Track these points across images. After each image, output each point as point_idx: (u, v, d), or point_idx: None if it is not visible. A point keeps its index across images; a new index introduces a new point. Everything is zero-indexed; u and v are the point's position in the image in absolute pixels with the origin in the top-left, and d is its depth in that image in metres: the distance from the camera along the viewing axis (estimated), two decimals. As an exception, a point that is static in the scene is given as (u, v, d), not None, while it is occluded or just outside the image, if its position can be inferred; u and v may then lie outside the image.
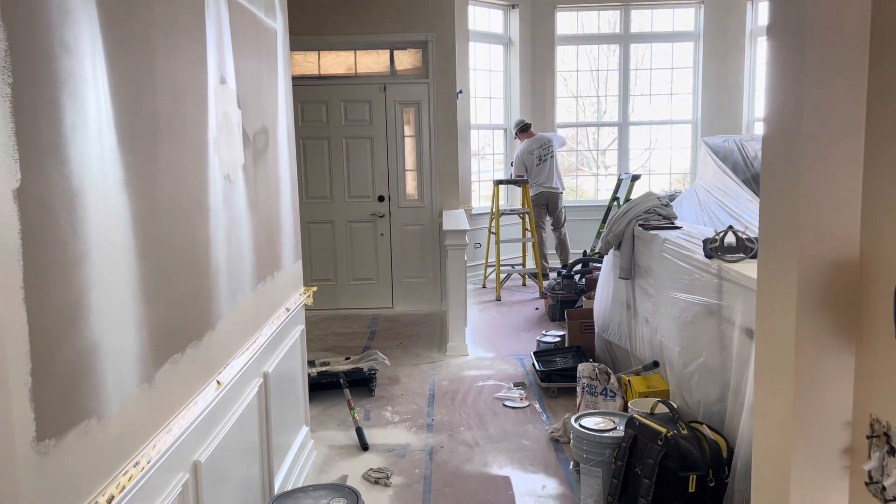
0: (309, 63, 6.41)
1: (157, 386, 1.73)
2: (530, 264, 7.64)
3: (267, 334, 2.75)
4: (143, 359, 1.66)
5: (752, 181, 4.20)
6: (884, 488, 1.12)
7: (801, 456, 1.07)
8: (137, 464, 1.58)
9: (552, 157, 7.45)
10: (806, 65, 0.99)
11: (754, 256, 2.89)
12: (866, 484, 1.17)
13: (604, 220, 7.35)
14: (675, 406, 2.83)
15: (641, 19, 8.36)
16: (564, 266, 7.32)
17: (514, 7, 7.97)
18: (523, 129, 7.48)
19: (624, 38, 8.34)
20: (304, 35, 5.90)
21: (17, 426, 1.17)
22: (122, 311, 1.56)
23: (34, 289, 1.23)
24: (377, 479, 3.30)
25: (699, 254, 3.09)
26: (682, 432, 2.64)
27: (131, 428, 1.59)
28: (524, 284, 7.55)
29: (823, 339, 1.01)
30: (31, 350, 1.22)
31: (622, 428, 2.92)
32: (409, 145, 6.54)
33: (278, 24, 3.14)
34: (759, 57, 8.03)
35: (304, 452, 3.39)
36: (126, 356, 1.58)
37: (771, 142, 1.07)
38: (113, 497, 1.45)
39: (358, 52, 6.44)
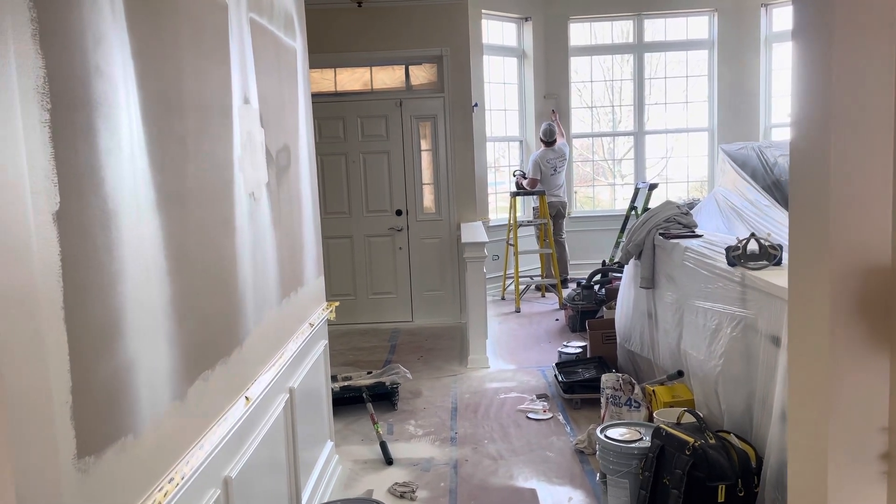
0: (325, 80, 6.48)
1: (189, 402, 1.75)
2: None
3: (292, 350, 2.77)
4: (175, 376, 1.68)
5: (773, 188, 4.18)
6: (923, 495, 1.11)
7: (837, 463, 1.07)
8: (172, 480, 1.60)
9: (564, 168, 7.59)
10: (833, 68, 0.99)
11: (778, 263, 2.88)
12: (904, 491, 1.16)
13: (622, 230, 7.33)
14: (701, 415, 2.81)
15: (655, 28, 8.38)
16: (563, 280, 7.33)
17: (527, 20, 8.01)
18: (551, 142, 7.51)
19: (638, 48, 8.35)
20: (320, 53, 5.97)
21: (60, 444, 1.19)
22: (155, 330, 1.59)
23: (73, 309, 1.26)
24: (403, 493, 3.31)
25: (722, 262, 3.08)
26: (710, 442, 2.62)
27: (165, 444, 1.61)
28: (543, 295, 7.54)
29: (858, 347, 1.01)
30: (71, 368, 1.24)
31: (648, 438, 2.91)
32: (426, 159, 6.58)
33: (297, 43, 3.19)
34: (774, 63, 8.00)
35: (330, 467, 3.40)
36: (159, 373, 1.61)
37: (799, 148, 1.08)
38: (149, 513, 1.47)
39: (374, 68, 6.50)
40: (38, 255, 1.16)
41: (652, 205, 6.75)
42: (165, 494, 1.55)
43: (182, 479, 1.65)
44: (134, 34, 1.54)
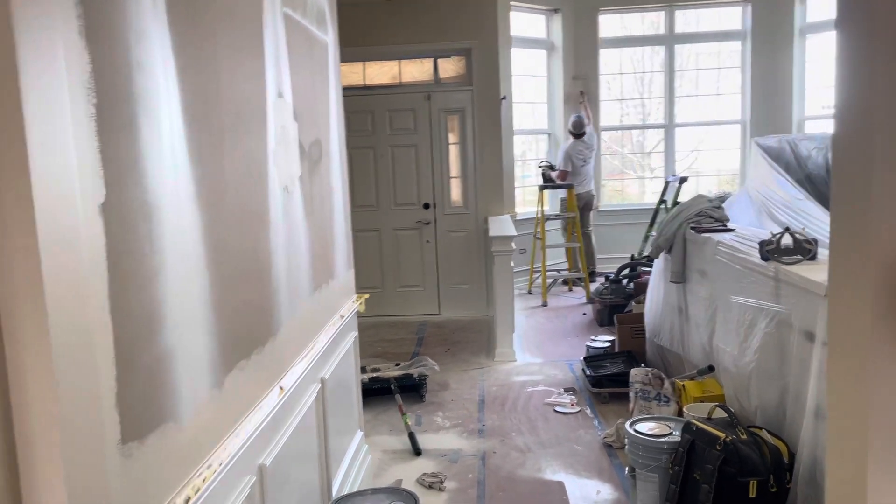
0: (354, 74, 6.51)
1: (226, 391, 1.79)
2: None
3: (323, 341, 2.80)
4: (213, 365, 1.72)
5: (806, 181, 4.12)
6: (965, 492, 1.10)
7: (877, 461, 1.05)
8: (210, 466, 1.63)
9: (593, 159, 7.59)
10: (878, 58, 0.98)
11: (813, 258, 2.84)
12: (945, 488, 1.15)
13: (651, 224, 7.27)
14: (732, 411, 2.79)
15: (686, 20, 8.27)
16: (591, 273, 7.31)
17: (556, 12, 7.96)
18: (580, 134, 7.49)
19: (668, 39, 8.26)
20: (349, 46, 5.97)
21: (106, 429, 1.23)
22: (194, 319, 1.62)
23: (118, 298, 1.29)
24: (431, 483, 3.33)
25: (755, 256, 3.05)
26: (742, 437, 2.60)
27: (203, 432, 1.65)
28: (570, 289, 7.51)
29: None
30: (116, 357, 1.28)
31: (678, 433, 2.89)
32: (454, 152, 6.58)
33: (329, 37, 3.21)
34: (808, 55, 7.86)
35: (360, 457, 3.44)
36: (198, 362, 1.64)
37: (841, 140, 1.07)
38: (189, 498, 1.50)
39: (402, 61, 6.52)
40: (87, 247, 1.19)
41: (682, 199, 6.68)
42: (204, 480, 1.58)
43: (220, 465, 1.68)
44: (174, 29, 1.57)
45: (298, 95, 2.60)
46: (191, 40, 1.67)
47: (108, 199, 1.27)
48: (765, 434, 2.67)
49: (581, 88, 8.05)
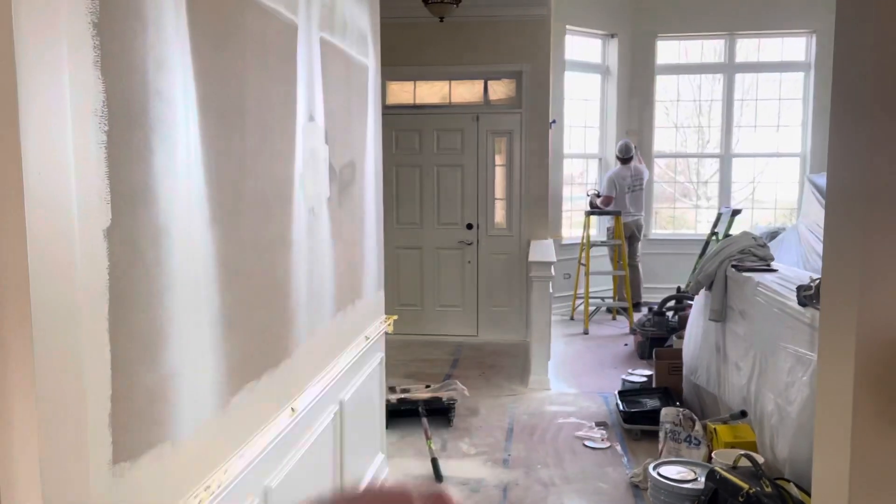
0: (405, 93, 6.57)
1: (232, 412, 1.81)
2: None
3: (345, 362, 2.81)
4: (219, 386, 1.74)
5: (860, 223, 3.97)
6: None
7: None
8: (208, 488, 1.65)
9: (642, 189, 7.43)
10: (874, 136, 0.93)
11: (854, 307, 2.72)
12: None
13: (701, 255, 7.08)
14: (759, 461, 2.68)
15: (748, 48, 8.09)
16: (636, 304, 7.15)
17: (612, 37, 7.89)
18: (628, 160, 7.38)
19: (728, 68, 8.09)
20: (401, 66, 6.05)
21: (93, 448, 1.25)
22: (201, 341, 1.65)
23: (118, 319, 1.32)
24: (449, 511, 3.29)
25: (793, 300, 2.94)
26: (766, 490, 2.49)
27: (204, 452, 1.67)
28: (614, 318, 7.38)
29: (885, 415, 0.94)
30: (112, 377, 1.30)
31: (703, 479, 2.79)
32: (500, 174, 6.56)
33: (370, 60, 3.25)
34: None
35: (379, 480, 3.43)
36: (203, 383, 1.66)
37: (835, 197, 1.02)
38: (182, 519, 1.52)
39: (453, 81, 6.55)
40: (83, 269, 1.22)
41: (735, 231, 6.50)
42: (200, 502, 1.60)
43: (219, 487, 1.69)
44: (197, 57, 1.61)
45: (332, 118, 2.63)
46: (216, 66, 1.71)
47: (114, 224, 1.30)
48: (792, 488, 2.56)
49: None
